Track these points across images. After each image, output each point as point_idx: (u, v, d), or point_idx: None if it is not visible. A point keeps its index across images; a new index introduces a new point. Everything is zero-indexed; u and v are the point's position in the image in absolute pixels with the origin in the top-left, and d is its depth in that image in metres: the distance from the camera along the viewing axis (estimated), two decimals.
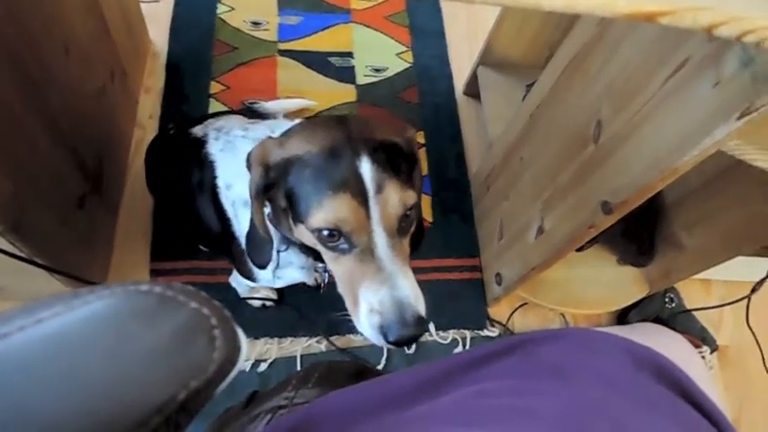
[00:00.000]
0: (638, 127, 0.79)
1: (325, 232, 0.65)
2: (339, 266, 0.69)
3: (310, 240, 0.70)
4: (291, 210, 0.69)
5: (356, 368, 0.67)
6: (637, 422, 0.44)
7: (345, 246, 0.66)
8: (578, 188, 0.96)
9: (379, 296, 0.64)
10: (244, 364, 0.35)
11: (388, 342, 0.64)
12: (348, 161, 0.64)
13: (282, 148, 0.68)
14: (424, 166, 1.58)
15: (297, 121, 0.80)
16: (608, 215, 0.87)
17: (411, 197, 0.67)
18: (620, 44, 0.83)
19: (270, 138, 0.72)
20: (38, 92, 0.89)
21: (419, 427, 0.42)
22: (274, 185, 0.70)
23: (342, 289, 0.71)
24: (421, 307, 0.66)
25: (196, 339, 0.29)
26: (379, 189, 0.64)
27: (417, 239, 0.84)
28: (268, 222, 0.78)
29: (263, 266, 0.82)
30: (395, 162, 0.67)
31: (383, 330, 0.64)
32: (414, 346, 1.35)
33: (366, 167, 0.64)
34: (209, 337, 0.30)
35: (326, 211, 0.63)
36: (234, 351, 0.31)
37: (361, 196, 0.64)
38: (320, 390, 0.55)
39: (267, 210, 0.77)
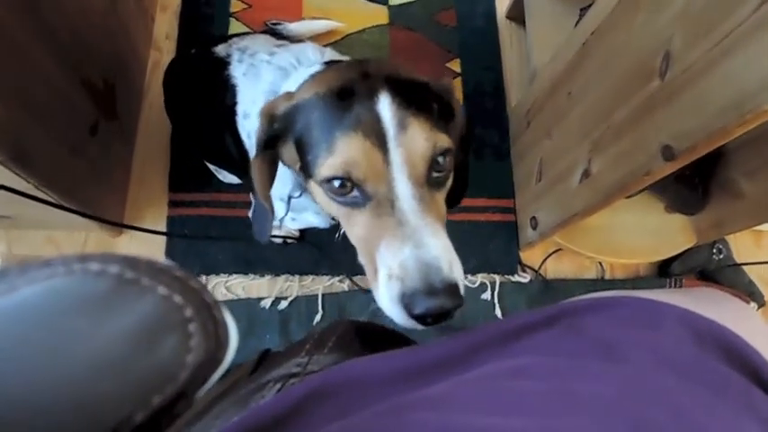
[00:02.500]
0: (718, 60, 0.67)
1: (336, 183, 0.55)
2: (353, 226, 0.58)
3: (324, 200, 0.61)
4: (302, 164, 0.60)
5: (381, 332, 0.60)
6: (702, 411, 0.37)
7: (359, 197, 0.56)
8: (636, 129, 0.85)
9: (400, 257, 0.52)
10: (231, 359, 0.29)
11: (412, 316, 0.52)
12: (363, 99, 0.55)
13: (291, 99, 0.60)
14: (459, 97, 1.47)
15: (325, 46, 0.70)
16: (669, 162, 0.77)
17: (443, 140, 0.57)
18: None
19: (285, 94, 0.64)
20: (33, 5, 0.81)
21: (441, 412, 0.36)
22: (279, 139, 0.62)
23: (361, 257, 0.61)
24: (457, 273, 0.53)
25: (163, 339, 0.22)
26: (402, 128, 0.54)
27: (457, 195, 0.75)
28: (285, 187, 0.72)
29: (260, 240, 0.75)
30: (424, 102, 0.57)
31: (405, 301, 0.51)
32: None
33: (385, 104, 0.54)
34: (182, 335, 0.23)
35: (335, 155, 0.54)
36: (217, 349, 0.24)
37: (376, 137, 0.54)
38: (337, 356, 0.50)
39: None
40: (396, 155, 0.54)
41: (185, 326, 0.23)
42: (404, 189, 0.54)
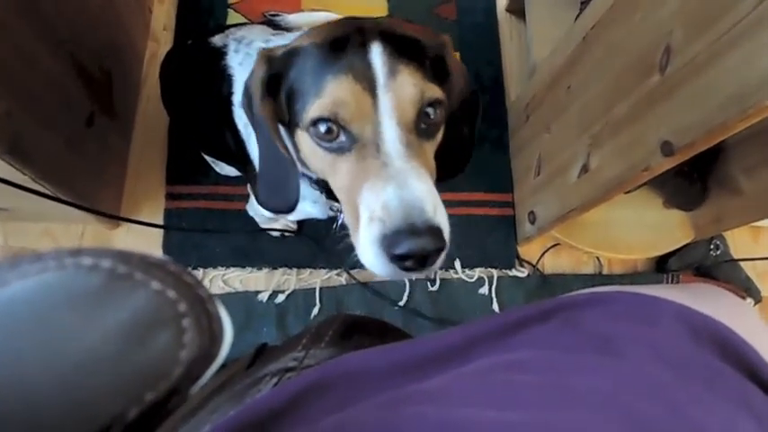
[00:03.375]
0: (719, 55, 0.67)
1: (322, 127, 0.55)
2: (337, 175, 0.58)
3: (310, 150, 0.60)
4: (290, 114, 0.60)
5: (378, 327, 0.60)
6: (698, 406, 0.37)
7: (345, 142, 0.56)
8: (635, 124, 0.84)
9: (382, 198, 0.51)
10: (225, 353, 0.29)
11: (393, 257, 0.49)
12: (355, 48, 0.55)
13: (287, 47, 0.61)
14: None
15: None
16: (668, 157, 0.77)
17: (433, 90, 0.57)
18: None
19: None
20: None
21: (439, 405, 0.36)
22: (279, 84, 0.61)
23: (344, 208, 0.60)
24: (441, 218, 0.52)
25: (156, 334, 0.22)
26: (392, 75, 0.54)
27: (460, 161, 0.74)
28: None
29: (285, 210, 0.69)
30: (416, 55, 0.58)
31: (385, 243, 0.50)
32: (437, 282, 1.30)
33: (376, 53, 0.55)
34: (176, 331, 0.22)
35: (324, 96, 0.54)
36: (212, 345, 0.24)
37: (366, 82, 0.54)
38: (334, 350, 0.49)
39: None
40: (384, 100, 0.54)
41: (179, 321, 0.22)
42: (390, 132, 0.54)
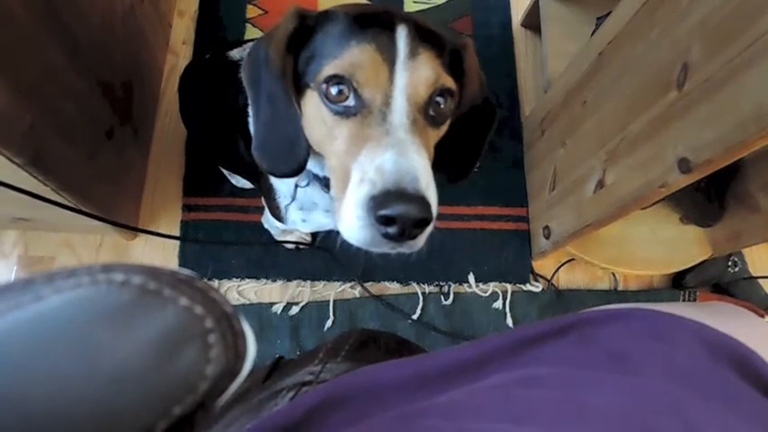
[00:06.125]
0: (738, 72, 0.66)
1: (334, 88, 0.55)
2: (336, 139, 0.57)
3: (314, 109, 0.59)
4: (305, 76, 0.60)
5: (394, 341, 0.60)
6: (715, 425, 0.37)
7: (352, 105, 0.56)
8: (652, 140, 0.84)
9: (378, 160, 0.50)
10: (249, 369, 0.29)
11: (378, 216, 0.48)
12: (383, 25, 0.57)
13: (320, 11, 0.62)
14: None
15: None
16: (685, 174, 0.76)
17: (448, 80, 0.58)
18: None
19: None
20: (54, 11, 0.82)
21: (453, 419, 0.36)
22: (300, 42, 0.61)
23: (333, 176, 0.59)
24: (432, 196, 0.50)
25: (184, 350, 0.22)
26: (412, 55, 0.56)
27: (465, 165, 0.75)
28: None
29: (294, 169, 0.65)
30: (436, 46, 0.59)
31: (372, 203, 0.48)
32: (451, 296, 1.29)
33: (402, 34, 0.56)
34: (203, 346, 0.23)
35: (343, 57, 0.55)
36: (236, 361, 0.24)
37: (387, 54, 0.55)
38: (350, 365, 0.49)
39: None
40: (401, 75, 0.55)
41: (205, 337, 0.23)
42: (400, 105, 0.54)
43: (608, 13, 1.02)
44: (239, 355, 0.24)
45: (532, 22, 1.54)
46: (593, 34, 1.12)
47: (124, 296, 0.22)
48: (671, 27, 0.80)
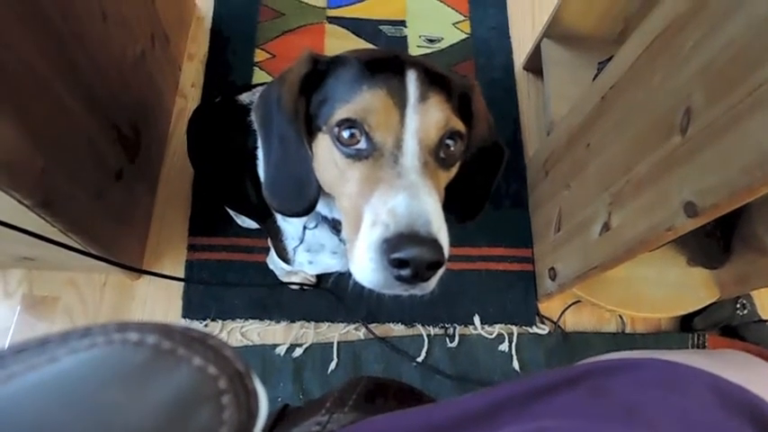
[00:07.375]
0: (741, 118, 0.67)
1: (346, 132, 0.56)
2: (348, 182, 0.57)
3: (325, 153, 0.60)
4: (316, 119, 0.61)
5: (401, 390, 0.59)
6: None
7: (364, 149, 0.56)
8: (656, 184, 0.84)
9: (391, 203, 0.50)
10: (261, 427, 0.29)
11: (392, 259, 0.48)
12: (393, 70, 0.58)
13: (332, 56, 0.64)
14: None
15: None
16: (692, 218, 0.76)
17: (457, 123, 0.60)
18: (725, 19, 0.70)
19: None
20: (69, 57, 0.84)
21: None
22: (313, 86, 0.62)
23: (345, 218, 0.59)
24: (443, 239, 0.51)
25: (198, 412, 0.22)
26: (422, 99, 0.57)
27: (475, 206, 0.75)
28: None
29: (304, 209, 0.65)
30: (445, 89, 0.60)
31: (385, 246, 0.49)
32: (456, 338, 1.27)
33: (411, 78, 0.58)
34: (216, 408, 0.23)
35: (356, 102, 0.56)
36: (249, 420, 0.24)
37: (399, 98, 0.57)
38: (357, 415, 0.48)
39: None
40: (412, 119, 0.56)
41: (219, 398, 0.22)
42: (411, 148, 0.55)
43: (609, 58, 1.05)
44: (252, 414, 0.24)
45: (534, 65, 1.57)
46: (594, 78, 1.14)
47: (139, 356, 0.22)
48: (672, 73, 0.82)
